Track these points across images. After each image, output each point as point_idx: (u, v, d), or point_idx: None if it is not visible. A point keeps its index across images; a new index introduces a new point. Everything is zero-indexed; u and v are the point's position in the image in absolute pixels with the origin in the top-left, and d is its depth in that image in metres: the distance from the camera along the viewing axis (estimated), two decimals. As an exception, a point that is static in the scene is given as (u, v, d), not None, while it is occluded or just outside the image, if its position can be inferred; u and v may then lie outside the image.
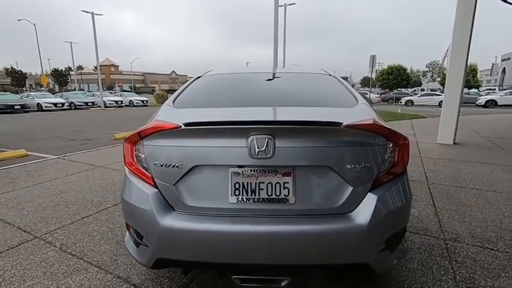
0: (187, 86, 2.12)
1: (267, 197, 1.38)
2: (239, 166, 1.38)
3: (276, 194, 1.38)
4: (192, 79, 2.28)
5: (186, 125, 1.37)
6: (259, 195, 1.38)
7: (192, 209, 1.42)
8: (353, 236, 1.33)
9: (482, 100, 22.81)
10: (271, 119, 1.53)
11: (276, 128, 1.35)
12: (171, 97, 1.93)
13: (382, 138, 1.41)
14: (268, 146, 1.32)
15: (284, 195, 1.38)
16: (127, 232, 1.68)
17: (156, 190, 1.45)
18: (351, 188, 1.37)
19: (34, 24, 32.93)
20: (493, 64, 56.59)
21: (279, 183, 1.38)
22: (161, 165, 1.42)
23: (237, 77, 2.28)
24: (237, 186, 1.39)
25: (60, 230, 2.63)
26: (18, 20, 33.19)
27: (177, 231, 1.37)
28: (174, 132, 1.40)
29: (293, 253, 1.35)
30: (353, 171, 1.36)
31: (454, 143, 6.42)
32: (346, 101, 1.78)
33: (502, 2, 6.26)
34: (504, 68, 53.51)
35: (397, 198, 1.44)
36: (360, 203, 1.38)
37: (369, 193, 1.39)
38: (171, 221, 1.38)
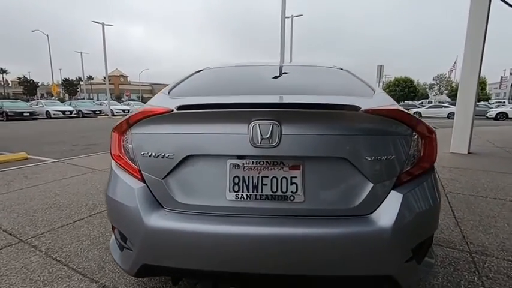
0: (186, 78, 1.96)
1: (271, 193, 1.18)
2: (239, 157, 1.19)
3: (281, 191, 1.18)
4: (193, 72, 2.12)
5: (179, 108, 1.19)
6: (262, 192, 1.18)
7: (184, 207, 1.22)
8: (374, 242, 1.11)
9: (492, 112, 22.43)
10: (277, 101, 1.34)
11: (282, 112, 1.16)
12: (167, 87, 1.77)
13: (407, 127, 1.20)
14: (274, 133, 1.13)
15: (291, 192, 1.17)
16: (112, 234, 1.49)
17: (143, 185, 1.26)
18: (371, 185, 1.16)
19: (47, 35, 33.90)
20: (501, 77, 56.04)
21: (285, 177, 1.18)
22: (149, 156, 1.24)
23: (242, 69, 2.11)
24: (236, 181, 1.19)
25: (48, 233, 2.44)
26: (32, 31, 34.25)
27: (165, 232, 1.17)
28: (165, 117, 1.22)
29: (301, 262, 1.13)
30: (373, 165, 1.16)
31: (469, 153, 6.12)
32: (363, 91, 1.58)
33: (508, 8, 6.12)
34: (513, 81, 52.87)
35: (426, 198, 1.22)
36: (381, 203, 1.17)
37: (392, 191, 1.18)
38: (158, 221, 1.18)
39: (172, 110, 1.20)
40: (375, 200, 1.17)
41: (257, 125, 1.14)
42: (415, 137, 1.23)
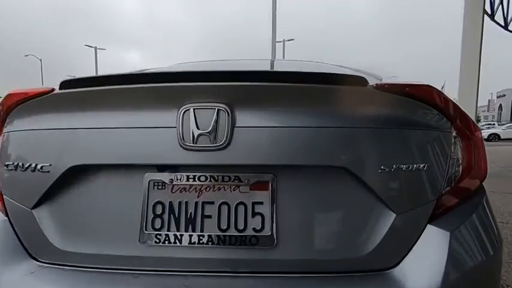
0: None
1: (220, 233, 0.67)
2: (162, 168, 0.69)
3: (237, 228, 0.67)
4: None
5: (64, 85, 0.71)
6: (202, 230, 0.67)
7: (67, 258, 0.70)
8: None
9: (485, 134, 22.62)
10: (226, 69, 0.84)
11: (236, 89, 0.68)
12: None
13: (442, 116, 0.73)
14: (220, 124, 0.65)
15: (254, 229, 0.67)
16: None
17: (4, 218, 0.74)
18: (392, 216, 0.66)
19: (40, 60, 33.93)
20: (489, 100, 57.63)
21: (243, 203, 0.68)
22: (15, 169, 0.73)
23: (213, 63, 1.65)
24: (158, 211, 0.68)
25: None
26: (26, 56, 34.28)
27: None
28: (41, 102, 0.73)
29: None
30: (394, 180, 0.67)
31: (473, 173, 5.76)
32: (369, 78, 1.12)
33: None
34: (500, 104, 54.41)
35: (483, 240, 0.72)
36: (411, 248, 0.67)
37: (428, 226, 0.68)
38: (18, 284, 0.66)
39: (53, 90, 0.71)
40: (401, 243, 0.67)
41: (191, 110, 0.65)
42: (454, 134, 0.75)
